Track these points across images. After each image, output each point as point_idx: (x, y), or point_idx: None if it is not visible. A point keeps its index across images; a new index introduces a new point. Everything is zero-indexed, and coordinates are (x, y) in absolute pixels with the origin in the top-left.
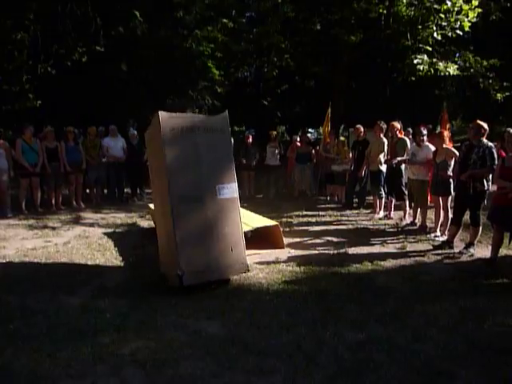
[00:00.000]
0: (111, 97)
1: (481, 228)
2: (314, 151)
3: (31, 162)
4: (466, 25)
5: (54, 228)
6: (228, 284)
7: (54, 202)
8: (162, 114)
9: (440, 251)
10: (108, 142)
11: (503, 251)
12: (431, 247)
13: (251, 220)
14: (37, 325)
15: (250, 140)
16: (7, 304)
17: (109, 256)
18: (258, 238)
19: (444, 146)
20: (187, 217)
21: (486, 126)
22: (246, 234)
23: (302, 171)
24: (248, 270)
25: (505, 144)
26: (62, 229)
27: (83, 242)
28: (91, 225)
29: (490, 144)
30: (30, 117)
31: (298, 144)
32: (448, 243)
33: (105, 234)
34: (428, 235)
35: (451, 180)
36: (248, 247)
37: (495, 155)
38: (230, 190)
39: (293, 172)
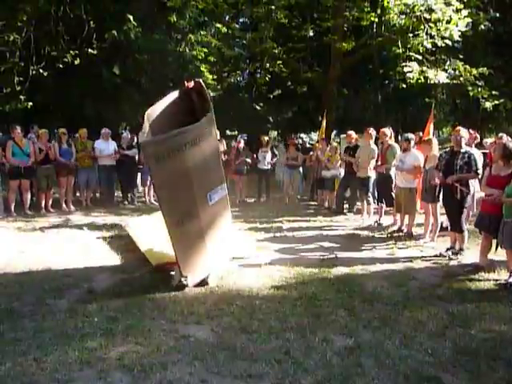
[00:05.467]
0: (103, 100)
1: (466, 233)
2: (299, 156)
3: (20, 165)
4: (455, 34)
5: (42, 230)
6: (217, 288)
7: (43, 204)
8: (144, 142)
9: (429, 257)
10: (100, 145)
11: (491, 257)
12: (420, 253)
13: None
14: (23, 328)
15: (242, 145)
16: None
17: (98, 259)
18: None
19: (433, 152)
20: (184, 234)
21: (463, 133)
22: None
23: (291, 175)
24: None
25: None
26: (51, 231)
27: (72, 245)
28: (80, 228)
29: (473, 151)
30: (21, 118)
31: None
32: (451, 249)
33: (94, 237)
34: (417, 241)
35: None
36: None
37: (478, 161)
38: (220, 191)
39: (282, 176)
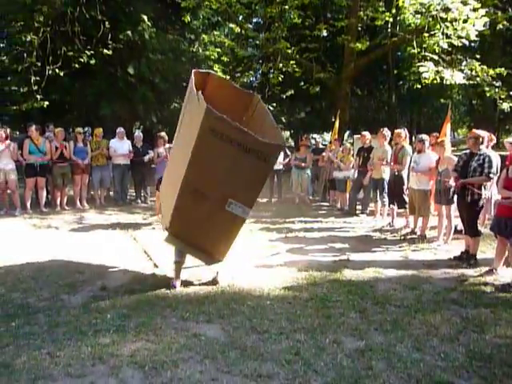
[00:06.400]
0: (118, 99)
1: (480, 238)
2: (309, 156)
3: (36, 163)
4: (472, 34)
5: (57, 228)
6: (228, 287)
7: (58, 201)
8: (208, 110)
9: (443, 260)
10: (114, 144)
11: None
12: (433, 256)
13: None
14: (38, 323)
15: None
16: (10, 301)
17: (111, 257)
18: None
19: (446, 154)
20: (189, 204)
21: (482, 133)
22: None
23: (300, 176)
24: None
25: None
26: (66, 229)
27: (86, 242)
28: (94, 226)
29: (489, 153)
30: (37, 118)
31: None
32: (466, 252)
33: (107, 234)
34: (430, 244)
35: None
36: None
37: (493, 164)
38: (241, 210)
39: (291, 176)
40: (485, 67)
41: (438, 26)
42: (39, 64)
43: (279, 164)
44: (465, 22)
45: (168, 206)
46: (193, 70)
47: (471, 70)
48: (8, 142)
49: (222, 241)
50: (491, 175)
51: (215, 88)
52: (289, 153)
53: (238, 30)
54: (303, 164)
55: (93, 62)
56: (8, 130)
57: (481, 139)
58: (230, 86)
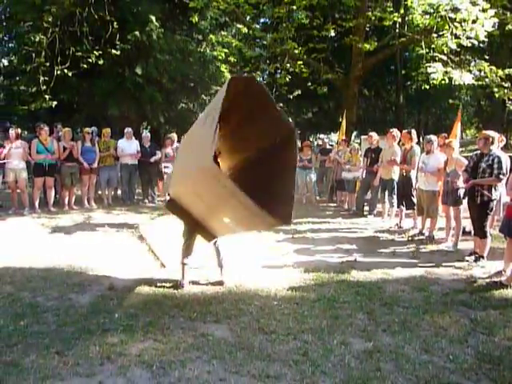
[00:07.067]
0: (126, 99)
1: (489, 240)
2: (315, 157)
3: (44, 163)
4: (482, 34)
5: (65, 227)
6: (235, 288)
7: (66, 201)
8: (210, 161)
9: (451, 262)
10: (122, 144)
11: None
12: (442, 257)
13: None
14: (47, 322)
15: None
16: (19, 300)
17: (118, 257)
18: None
19: (454, 155)
20: (188, 197)
21: (493, 134)
22: None
23: (305, 176)
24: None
25: None
26: (73, 228)
27: (93, 242)
28: (102, 225)
29: (499, 153)
30: (45, 117)
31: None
32: (474, 254)
33: (115, 234)
34: (438, 245)
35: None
36: None
37: (503, 165)
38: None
39: (295, 177)
40: (494, 68)
41: (447, 27)
42: (48, 64)
43: None
44: (474, 22)
45: (173, 180)
46: (231, 77)
47: (480, 70)
48: (19, 141)
49: (218, 229)
50: (501, 176)
51: (252, 98)
52: None
53: (245, 30)
54: (310, 164)
55: (101, 62)
56: (18, 130)
57: (491, 140)
58: (270, 104)
